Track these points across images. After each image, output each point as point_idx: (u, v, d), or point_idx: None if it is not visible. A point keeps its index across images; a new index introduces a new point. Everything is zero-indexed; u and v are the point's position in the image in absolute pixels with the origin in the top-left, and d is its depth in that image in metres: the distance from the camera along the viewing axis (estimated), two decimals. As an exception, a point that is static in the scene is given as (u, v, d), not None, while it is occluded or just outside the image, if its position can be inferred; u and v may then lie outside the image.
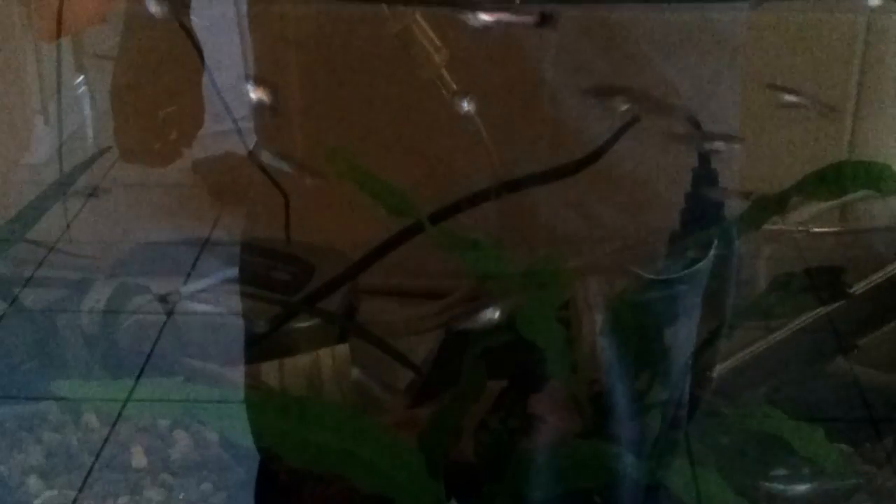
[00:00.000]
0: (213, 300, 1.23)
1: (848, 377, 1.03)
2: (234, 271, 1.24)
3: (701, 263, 0.84)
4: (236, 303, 1.21)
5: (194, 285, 1.27)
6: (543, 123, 1.11)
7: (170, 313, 1.21)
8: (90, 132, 1.38)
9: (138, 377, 1.04)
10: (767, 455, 0.89)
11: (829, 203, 1.39)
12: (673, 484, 0.85)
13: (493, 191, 1.05)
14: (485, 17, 0.77)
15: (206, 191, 1.33)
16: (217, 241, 1.33)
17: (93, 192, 1.32)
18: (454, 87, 1.04)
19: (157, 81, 1.19)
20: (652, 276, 0.85)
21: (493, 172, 1.08)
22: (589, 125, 1.03)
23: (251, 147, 1.21)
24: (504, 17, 0.78)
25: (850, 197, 1.40)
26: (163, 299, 1.22)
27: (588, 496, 0.88)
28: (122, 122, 1.20)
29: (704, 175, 0.99)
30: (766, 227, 1.35)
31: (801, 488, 0.89)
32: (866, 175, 0.86)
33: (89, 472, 1.08)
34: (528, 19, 0.81)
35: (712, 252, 0.84)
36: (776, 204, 0.86)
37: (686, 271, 0.84)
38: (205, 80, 1.13)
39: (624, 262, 0.91)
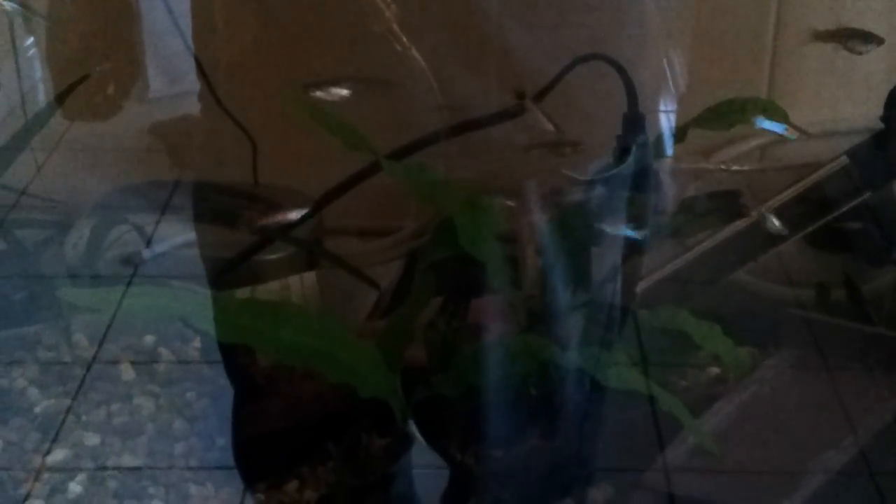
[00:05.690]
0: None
1: (748, 288, 1.18)
2: (192, 235, 1.34)
3: (620, 167, 0.97)
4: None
5: (157, 248, 1.37)
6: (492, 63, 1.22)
7: (133, 274, 1.31)
8: (42, 95, 1.45)
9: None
10: (674, 348, 1.04)
11: (749, 146, 1.54)
12: (596, 372, 0.99)
13: (442, 133, 1.17)
14: None
15: (165, 152, 1.39)
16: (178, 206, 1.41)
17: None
18: (405, 40, 1.16)
19: (93, 38, 1.26)
20: (583, 178, 0.98)
21: (442, 116, 1.20)
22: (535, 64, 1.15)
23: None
24: None
25: (766, 140, 1.55)
26: (126, 261, 1.32)
27: (523, 387, 1.02)
28: (62, 79, 1.25)
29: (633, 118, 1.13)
30: (693, 166, 1.49)
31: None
32: (754, 108, 1.00)
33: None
34: None
35: (630, 159, 0.97)
36: (679, 133, 1.00)
37: (608, 173, 0.97)
38: (144, 39, 1.20)
39: (560, 168, 1.02)
